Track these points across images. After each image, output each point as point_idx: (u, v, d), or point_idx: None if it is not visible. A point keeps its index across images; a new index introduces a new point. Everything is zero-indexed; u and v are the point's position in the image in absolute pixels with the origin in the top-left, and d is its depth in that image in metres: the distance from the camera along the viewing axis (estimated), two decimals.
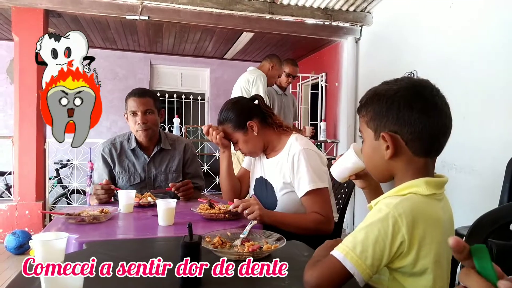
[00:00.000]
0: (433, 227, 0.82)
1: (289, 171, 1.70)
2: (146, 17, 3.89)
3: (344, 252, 0.79)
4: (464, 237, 1.21)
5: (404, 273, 0.82)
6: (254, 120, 1.76)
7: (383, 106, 0.87)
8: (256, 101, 1.86)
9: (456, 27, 3.12)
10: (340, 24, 4.41)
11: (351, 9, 4.32)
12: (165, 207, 1.46)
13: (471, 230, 1.22)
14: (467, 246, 0.44)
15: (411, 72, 3.57)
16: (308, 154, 1.67)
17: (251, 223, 1.36)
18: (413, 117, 0.84)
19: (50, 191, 4.55)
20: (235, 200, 1.54)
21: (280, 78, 3.83)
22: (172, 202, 1.49)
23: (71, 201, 4.53)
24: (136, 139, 2.10)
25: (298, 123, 5.10)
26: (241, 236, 1.23)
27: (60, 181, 5.17)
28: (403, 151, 0.87)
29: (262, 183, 1.85)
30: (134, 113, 2.03)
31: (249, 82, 3.36)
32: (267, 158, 1.85)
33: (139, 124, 2.02)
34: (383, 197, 0.87)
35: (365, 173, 1.09)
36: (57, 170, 5.19)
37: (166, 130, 5.15)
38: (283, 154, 1.76)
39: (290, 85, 4.16)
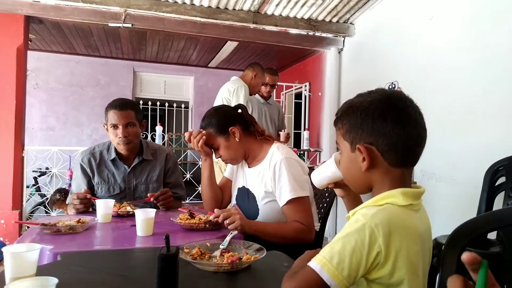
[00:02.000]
0: (409, 238, 0.82)
1: (270, 180, 1.70)
2: (130, 25, 3.85)
3: (321, 263, 0.78)
4: (443, 247, 1.22)
5: (381, 284, 0.82)
6: (236, 126, 1.77)
7: (358, 119, 0.88)
8: (240, 110, 1.86)
9: (436, 40, 3.19)
10: (324, 34, 4.46)
11: (334, 20, 4.38)
12: (144, 217, 1.44)
13: (449, 240, 1.23)
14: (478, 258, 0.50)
15: (392, 82, 3.63)
16: (290, 163, 1.67)
17: (231, 233, 1.35)
18: (387, 128, 0.85)
19: (28, 200, 4.44)
20: (215, 210, 1.52)
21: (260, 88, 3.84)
22: (151, 212, 1.47)
23: (49, 210, 4.42)
24: (116, 149, 2.07)
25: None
26: (221, 246, 1.21)
27: (38, 189, 5.04)
28: (379, 163, 0.87)
29: (244, 192, 1.84)
30: (115, 126, 1.99)
31: (230, 92, 3.36)
32: (249, 167, 1.85)
33: (120, 137, 1.98)
34: (361, 207, 0.87)
35: (344, 182, 1.09)
36: (35, 178, 5.07)
37: (149, 138, 5.11)
38: (264, 163, 1.76)
39: (274, 92, 4.17)
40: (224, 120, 1.78)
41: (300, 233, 1.62)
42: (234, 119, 1.79)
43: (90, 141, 5.92)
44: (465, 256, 0.49)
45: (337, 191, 1.14)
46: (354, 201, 1.11)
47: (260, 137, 1.82)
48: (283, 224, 1.66)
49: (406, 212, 0.85)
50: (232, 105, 3.08)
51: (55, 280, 0.73)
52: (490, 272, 0.50)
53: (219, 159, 1.91)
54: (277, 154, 1.72)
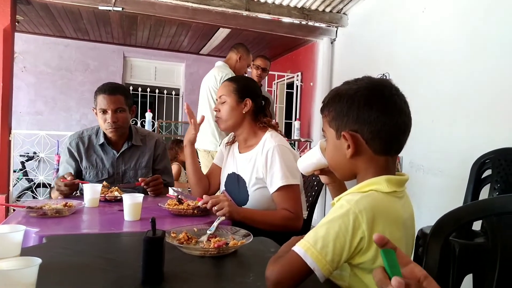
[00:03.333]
0: (392, 224, 0.83)
1: (262, 166, 1.71)
2: (120, 9, 3.79)
3: (305, 247, 0.79)
4: (428, 236, 1.23)
5: (364, 269, 0.84)
6: (252, 103, 1.79)
7: (343, 106, 0.88)
8: (263, 102, 1.90)
9: (428, 32, 3.19)
10: (316, 24, 4.44)
11: (327, 9, 4.36)
12: (131, 201, 1.44)
13: (433, 230, 1.25)
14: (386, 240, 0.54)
15: (383, 74, 3.63)
16: (282, 151, 1.69)
17: (219, 219, 1.36)
18: (372, 116, 0.86)
19: (15, 184, 4.39)
20: (204, 196, 1.53)
21: (251, 72, 3.77)
22: (139, 197, 1.47)
23: (36, 195, 4.39)
24: (105, 134, 2.04)
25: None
26: (208, 232, 1.22)
27: (25, 174, 4.99)
28: (363, 150, 0.88)
29: (234, 178, 1.85)
30: (104, 111, 1.96)
31: (217, 81, 3.21)
32: (240, 153, 1.85)
33: (109, 122, 1.96)
34: (345, 193, 0.88)
35: (330, 169, 1.10)
36: (22, 162, 5.01)
37: (138, 124, 5.06)
38: (257, 149, 1.77)
39: (265, 82, 4.13)
40: (249, 88, 1.83)
41: (288, 221, 1.63)
42: (255, 98, 1.82)
43: (79, 126, 5.84)
44: (374, 237, 0.53)
45: (322, 178, 1.15)
46: (339, 188, 1.12)
47: (260, 125, 1.83)
48: (272, 211, 1.67)
49: (390, 199, 0.86)
50: None
51: (38, 260, 0.73)
52: (400, 251, 0.54)
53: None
54: (270, 141, 1.73)
